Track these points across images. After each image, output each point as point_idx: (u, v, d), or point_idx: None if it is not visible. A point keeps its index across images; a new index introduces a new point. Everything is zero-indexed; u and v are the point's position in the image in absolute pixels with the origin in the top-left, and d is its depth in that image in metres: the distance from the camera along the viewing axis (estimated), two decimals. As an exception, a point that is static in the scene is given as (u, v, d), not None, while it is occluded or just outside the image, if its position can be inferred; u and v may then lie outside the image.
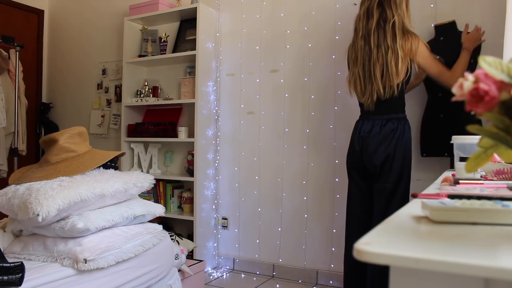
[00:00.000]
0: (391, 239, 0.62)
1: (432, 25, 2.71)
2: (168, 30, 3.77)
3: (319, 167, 3.15)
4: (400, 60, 2.23)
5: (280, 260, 3.27)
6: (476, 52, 2.47)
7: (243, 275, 3.30)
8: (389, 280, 0.58)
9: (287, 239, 3.25)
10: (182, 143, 3.63)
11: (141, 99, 3.69)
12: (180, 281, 2.42)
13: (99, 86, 4.28)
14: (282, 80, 3.30)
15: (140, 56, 3.77)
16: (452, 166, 2.36)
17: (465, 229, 0.69)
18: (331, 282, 3.06)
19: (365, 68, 2.33)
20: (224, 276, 3.29)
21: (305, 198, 3.19)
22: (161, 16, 3.66)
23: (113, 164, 2.32)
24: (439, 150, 2.61)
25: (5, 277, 1.50)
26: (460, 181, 1.28)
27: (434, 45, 2.49)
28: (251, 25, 3.43)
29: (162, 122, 3.59)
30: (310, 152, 3.19)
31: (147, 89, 3.75)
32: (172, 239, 2.48)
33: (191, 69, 3.57)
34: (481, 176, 1.39)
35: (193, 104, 3.37)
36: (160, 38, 3.72)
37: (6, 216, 2.07)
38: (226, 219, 3.51)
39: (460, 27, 2.59)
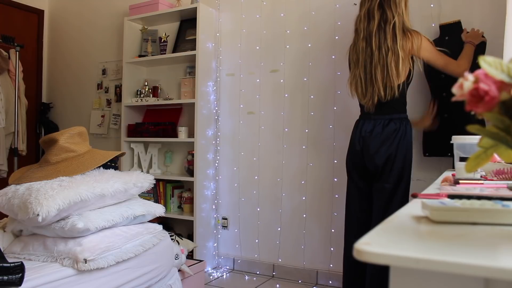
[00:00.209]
0: (391, 239, 0.62)
1: (433, 24, 2.71)
2: (168, 30, 3.77)
3: (318, 167, 3.15)
4: (400, 61, 2.23)
5: (280, 260, 3.27)
6: (481, 52, 2.47)
7: (244, 276, 3.30)
8: (389, 280, 0.58)
9: (287, 239, 3.25)
10: (182, 143, 3.63)
11: (141, 99, 3.69)
12: (180, 281, 2.42)
13: (99, 86, 4.28)
14: (281, 80, 3.30)
15: (140, 56, 3.77)
16: (453, 166, 2.36)
17: (465, 229, 0.69)
18: (330, 282, 3.06)
19: (366, 70, 2.32)
20: (224, 276, 3.29)
21: (304, 198, 3.19)
22: (161, 16, 3.66)
23: (113, 164, 2.32)
24: (442, 150, 2.60)
25: (5, 277, 1.50)
26: (460, 181, 1.28)
27: (439, 45, 2.48)
28: (251, 25, 3.43)
29: (162, 122, 3.59)
30: (310, 152, 3.19)
31: (147, 89, 3.75)
32: (172, 239, 2.48)
33: (191, 69, 3.57)
34: (481, 176, 1.39)
35: (193, 104, 3.37)
36: (160, 38, 3.72)
37: (6, 216, 2.07)
38: (226, 219, 3.50)
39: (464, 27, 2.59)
